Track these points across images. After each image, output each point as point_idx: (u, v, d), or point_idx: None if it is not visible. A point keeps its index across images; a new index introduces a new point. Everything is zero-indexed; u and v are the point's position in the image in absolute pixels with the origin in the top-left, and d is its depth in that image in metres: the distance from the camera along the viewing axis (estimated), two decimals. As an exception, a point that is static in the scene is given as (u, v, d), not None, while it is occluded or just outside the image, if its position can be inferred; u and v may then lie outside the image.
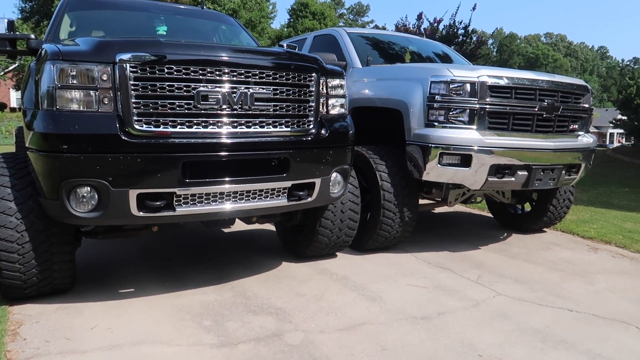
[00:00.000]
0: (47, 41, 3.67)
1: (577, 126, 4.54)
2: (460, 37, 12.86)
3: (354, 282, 3.73)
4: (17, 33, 3.66)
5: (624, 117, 19.27)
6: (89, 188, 2.70)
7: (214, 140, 2.87)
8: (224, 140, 2.90)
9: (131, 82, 2.68)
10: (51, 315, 3.02)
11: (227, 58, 2.88)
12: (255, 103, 2.98)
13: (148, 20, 4.48)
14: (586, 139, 4.58)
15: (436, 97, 3.97)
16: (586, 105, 4.55)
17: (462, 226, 5.81)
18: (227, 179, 2.93)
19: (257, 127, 3.02)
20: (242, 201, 3.03)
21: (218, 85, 2.85)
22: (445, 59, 6.10)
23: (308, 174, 3.22)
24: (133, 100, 2.69)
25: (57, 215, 2.78)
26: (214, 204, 2.94)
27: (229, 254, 4.39)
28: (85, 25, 4.20)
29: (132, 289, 3.48)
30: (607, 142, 58.73)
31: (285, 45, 4.76)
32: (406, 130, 4.16)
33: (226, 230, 5.17)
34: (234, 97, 2.90)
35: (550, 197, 5.13)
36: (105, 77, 2.68)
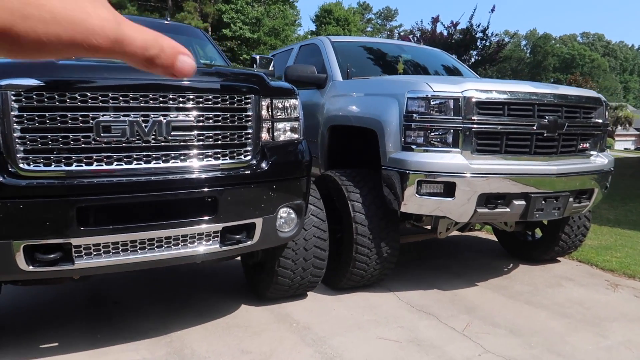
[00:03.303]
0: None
1: (588, 145, 3.88)
2: (478, 40, 12.12)
3: (315, 333, 3.20)
4: None
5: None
6: (-33, 239, 2.27)
7: (120, 180, 2.40)
8: (133, 178, 2.43)
9: (14, 113, 2.24)
10: (-54, 381, 2.61)
11: (133, 81, 2.42)
12: (173, 133, 2.50)
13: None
14: (600, 160, 3.92)
15: (414, 115, 3.41)
16: (599, 120, 3.88)
17: (462, 254, 5.17)
18: (138, 224, 2.45)
19: (176, 161, 2.53)
20: (161, 250, 2.55)
21: (123, 113, 2.39)
22: (446, 70, 5.50)
23: (244, 213, 2.72)
24: (17, 135, 2.25)
25: (-64, 271, 2.36)
26: (123, 254, 2.47)
27: (185, 294, 3.92)
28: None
29: (56, 344, 3.05)
30: (649, 145, 55.98)
31: (257, 57, 4.30)
32: (381, 153, 3.60)
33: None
34: (145, 126, 2.42)
35: (562, 225, 4.46)
36: None
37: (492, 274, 4.47)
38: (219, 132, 2.64)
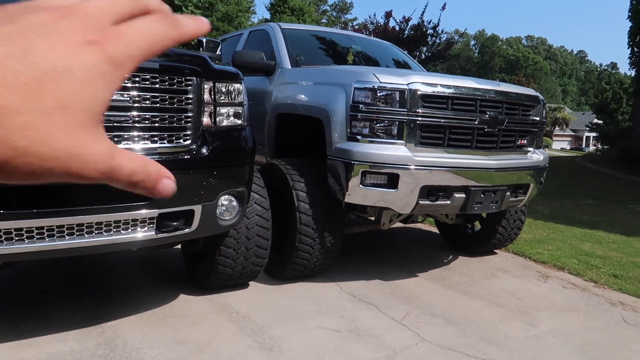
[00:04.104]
0: None
1: (525, 141, 4.02)
2: (429, 37, 12.34)
3: (254, 323, 3.15)
4: None
5: (600, 121, 19.28)
6: None
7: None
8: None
9: None
10: None
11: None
12: (108, 113, 2.36)
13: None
14: (536, 156, 4.08)
15: (360, 106, 3.41)
16: (537, 118, 4.03)
17: (405, 246, 5.27)
18: (65, 209, 2.31)
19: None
20: (90, 236, 2.42)
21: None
22: (396, 63, 5.54)
23: (182, 200, 2.62)
24: None
25: None
26: (49, 240, 2.32)
27: (122, 282, 3.77)
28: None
29: (-25, 335, 2.85)
30: (584, 146, 59.37)
31: (204, 40, 4.16)
32: (327, 143, 3.59)
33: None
34: (76, 105, 2.27)
35: (499, 218, 4.62)
36: None
37: (432, 265, 4.58)
38: (157, 114, 2.53)
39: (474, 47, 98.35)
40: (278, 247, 3.74)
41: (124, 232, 2.52)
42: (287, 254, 3.71)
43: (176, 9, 36.48)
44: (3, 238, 2.23)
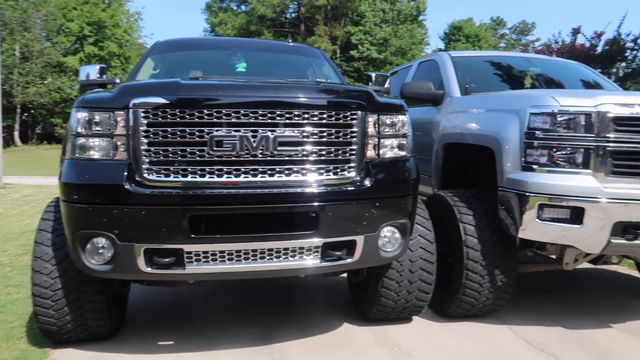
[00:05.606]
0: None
1: None
2: (628, 51, 10.81)
3: (417, 361, 3.04)
4: (105, 78, 3.77)
5: None
6: (101, 239, 2.56)
7: (229, 191, 2.53)
8: (241, 191, 2.54)
9: (143, 128, 2.49)
10: (80, 364, 2.94)
11: (245, 98, 2.55)
12: (280, 148, 2.57)
13: (227, 58, 4.41)
14: None
15: (536, 132, 3.13)
16: None
17: (594, 290, 4.56)
18: (243, 235, 2.56)
19: (282, 175, 2.60)
20: (263, 261, 2.62)
21: (235, 128, 2.52)
22: (584, 84, 4.97)
23: (345, 230, 2.68)
24: (144, 148, 2.49)
25: (77, 265, 2.69)
26: (229, 262, 2.59)
27: (291, 305, 3.99)
28: (166, 67, 4.27)
29: (172, 342, 3.28)
30: None
31: (373, 75, 4.25)
32: (498, 173, 3.35)
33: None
34: (254, 141, 2.53)
35: None
36: (121, 124, 2.54)
37: (632, 315, 3.88)
38: (324, 147, 2.66)
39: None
40: (444, 282, 3.57)
41: (292, 259, 2.67)
42: (453, 291, 3.53)
43: (353, 46, 38.61)
44: (193, 259, 2.56)
